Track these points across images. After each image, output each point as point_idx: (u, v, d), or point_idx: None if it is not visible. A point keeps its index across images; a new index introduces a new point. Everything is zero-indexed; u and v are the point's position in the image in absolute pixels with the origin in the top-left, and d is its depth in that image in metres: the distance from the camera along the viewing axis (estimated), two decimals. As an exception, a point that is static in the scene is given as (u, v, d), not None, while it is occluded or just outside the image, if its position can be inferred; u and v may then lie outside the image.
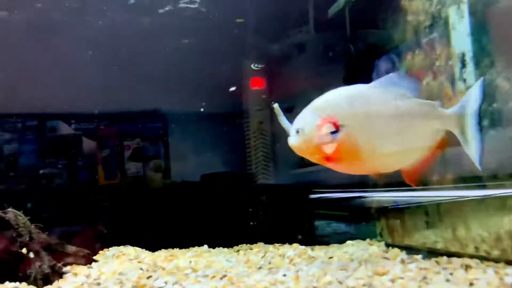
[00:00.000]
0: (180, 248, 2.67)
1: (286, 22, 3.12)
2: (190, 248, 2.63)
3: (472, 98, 1.61)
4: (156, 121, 3.32)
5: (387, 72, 2.08)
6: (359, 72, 2.83)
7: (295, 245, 2.52)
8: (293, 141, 1.66)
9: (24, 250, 1.90)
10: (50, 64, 3.00)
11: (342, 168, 1.70)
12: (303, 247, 2.46)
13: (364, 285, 1.42)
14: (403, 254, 2.14)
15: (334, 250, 2.50)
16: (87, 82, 3.03)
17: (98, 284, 1.73)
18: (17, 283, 1.69)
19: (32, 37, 2.97)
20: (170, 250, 2.62)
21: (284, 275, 1.67)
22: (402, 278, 1.48)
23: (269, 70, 3.18)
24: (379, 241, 2.68)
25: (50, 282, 1.87)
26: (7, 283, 1.68)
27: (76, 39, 2.99)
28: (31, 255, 1.91)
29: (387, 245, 2.51)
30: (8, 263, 1.82)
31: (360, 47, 2.88)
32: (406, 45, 2.31)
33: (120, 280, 1.72)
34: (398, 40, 2.39)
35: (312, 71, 2.94)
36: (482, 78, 1.63)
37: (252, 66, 3.10)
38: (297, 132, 1.63)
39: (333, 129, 1.59)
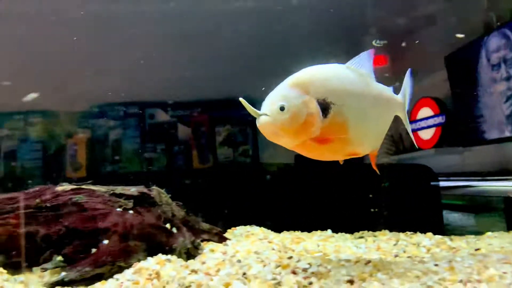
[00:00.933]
0: (302, 231, 2.65)
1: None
2: (313, 231, 2.60)
3: (407, 86, 1.73)
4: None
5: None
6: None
7: (429, 234, 2.35)
8: (270, 120, 1.39)
9: (167, 226, 2.04)
10: (149, 56, 3.13)
11: (316, 151, 1.51)
12: (440, 236, 2.28)
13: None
14: None
15: (474, 241, 2.28)
16: (182, 73, 3.12)
17: (239, 261, 1.77)
18: (169, 255, 1.80)
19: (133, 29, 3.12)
20: (292, 232, 2.62)
21: (436, 265, 1.54)
22: None
23: (393, 47, 2.96)
24: (527, 234, 2.38)
25: (192, 257, 1.98)
26: (160, 255, 1.79)
27: (170, 30, 3.07)
28: (174, 230, 2.04)
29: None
30: (156, 237, 1.95)
31: (501, 17, 2.55)
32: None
33: (260, 258, 1.74)
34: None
35: (444, 46, 2.67)
36: (409, 69, 1.76)
37: (373, 42, 2.91)
38: (281, 109, 1.38)
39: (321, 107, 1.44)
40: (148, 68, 3.18)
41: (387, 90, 1.67)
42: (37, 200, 1.90)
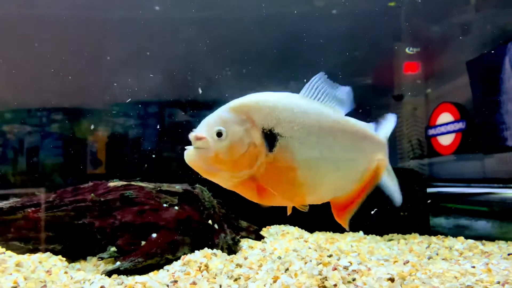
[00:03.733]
0: (333, 232, 2.73)
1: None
2: (346, 233, 2.67)
3: (390, 126, 1.45)
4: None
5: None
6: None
7: (461, 238, 2.40)
8: (202, 146, 1.17)
9: (209, 222, 2.15)
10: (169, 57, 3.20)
11: (261, 194, 1.26)
12: (472, 241, 2.33)
13: None
14: None
15: (506, 246, 2.32)
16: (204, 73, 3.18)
17: (279, 258, 1.87)
18: (215, 249, 1.91)
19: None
20: (325, 232, 2.70)
21: (473, 267, 1.61)
22: None
23: (425, 54, 3.01)
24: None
25: (233, 252, 2.09)
26: (206, 249, 1.91)
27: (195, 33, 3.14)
28: (216, 226, 2.15)
29: None
30: (200, 232, 2.07)
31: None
32: None
33: (300, 256, 1.84)
34: None
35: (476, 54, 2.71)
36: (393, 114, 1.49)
37: (406, 50, 2.97)
38: (219, 134, 1.18)
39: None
40: (170, 68, 3.25)
41: (366, 128, 1.41)
42: (92, 195, 2.04)
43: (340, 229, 2.72)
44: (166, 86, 3.08)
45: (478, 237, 2.51)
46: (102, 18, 3.00)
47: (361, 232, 2.66)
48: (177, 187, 2.20)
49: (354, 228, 2.71)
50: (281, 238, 2.40)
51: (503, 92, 2.92)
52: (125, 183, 2.15)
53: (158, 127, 3.29)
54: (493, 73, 2.93)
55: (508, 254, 2.02)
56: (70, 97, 3.00)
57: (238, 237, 2.21)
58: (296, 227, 2.61)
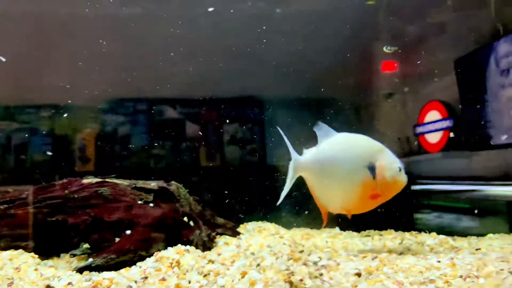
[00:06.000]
0: (311, 228, 2.77)
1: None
2: (322, 229, 2.71)
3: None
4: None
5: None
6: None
7: (434, 234, 2.45)
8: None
9: (185, 219, 2.16)
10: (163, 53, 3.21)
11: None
12: (443, 236, 2.38)
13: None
14: None
15: (476, 242, 2.38)
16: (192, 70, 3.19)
17: (253, 253, 1.89)
18: (188, 246, 1.93)
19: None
20: (303, 229, 2.74)
21: (439, 261, 1.65)
22: None
23: (403, 53, 3.05)
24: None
25: (208, 249, 2.11)
26: (179, 245, 1.92)
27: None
28: (191, 223, 2.17)
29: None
30: (174, 229, 2.08)
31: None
32: None
33: (273, 252, 1.86)
34: None
35: (453, 53, 2.75)
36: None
37: (384, 48, 3.01)
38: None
39: None
40: (161, 65, 3.26)
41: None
42: (66, 191, 2.03)
43: (317, 226, 2.76)
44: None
45: (460, 233, 2.57)
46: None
47: (337, 228, 2.70)
48: (153, 184, 2.20)
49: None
50: (258, 235, 2.42)
51: (489, 90, 2.97)
52: (99, 180, 2.14)
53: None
54: (480, 71, 2.98)
55: (476, 249, 2.07)
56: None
57: (214, 234, 2.23)
58: (273, 224, 2.64)
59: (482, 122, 3.05)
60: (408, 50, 3.03)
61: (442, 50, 2.92)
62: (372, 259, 1.72)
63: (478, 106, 3.07)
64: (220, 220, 2.42)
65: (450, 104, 3.40)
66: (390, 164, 1.87)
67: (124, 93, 3.38)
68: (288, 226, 2.71)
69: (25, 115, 3.27)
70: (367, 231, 2.81)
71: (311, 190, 2.02)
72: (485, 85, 3.00)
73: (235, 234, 2.41)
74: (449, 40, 2.97)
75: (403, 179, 1.89)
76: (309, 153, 2.01)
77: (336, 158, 1.92)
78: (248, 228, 2.59)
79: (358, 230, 2.80)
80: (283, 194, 1.97)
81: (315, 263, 1.65)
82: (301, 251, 1.82)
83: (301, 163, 1.99)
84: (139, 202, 2.11)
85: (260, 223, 2.68)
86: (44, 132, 3.23)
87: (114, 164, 3.38)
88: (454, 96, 3.26)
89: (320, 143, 1.96)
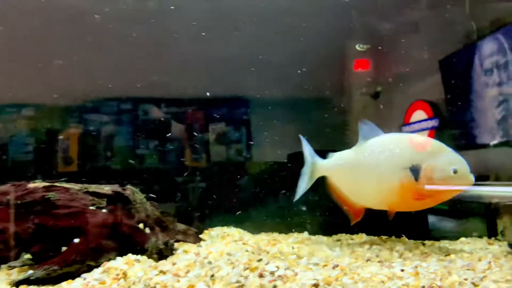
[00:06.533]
0: (280, 233, 2.65)
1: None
2: (290, 234, 2.60)
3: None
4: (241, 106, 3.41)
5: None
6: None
7: (404, 239, 2.36)
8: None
9: (141, 225, 2.03)
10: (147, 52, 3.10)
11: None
12: (413, 241, 2.30)
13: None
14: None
15: (447, 246, 2.30)
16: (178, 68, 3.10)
17: (210, 262, 1.77)
18: (139, 255, 1.80)
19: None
20: (270, 234, 2.62)
21: (402, 270, 1.56)
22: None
23: (376, 51, 2.97)
24: (500, 240, 2.41)
25: (164, 257, 1.97)
26: (129, 255, 1.79)
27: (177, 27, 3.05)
28: (147, 230, 2.03)
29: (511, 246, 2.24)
30: (129, 236, 1.94)
31: (482, 24, 2.57)
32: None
33: (230, 260, 1.75)
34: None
35: (427, 52, 2.69)
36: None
37: (356, 46, 2.92)
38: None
39: None
40: (145, 64, 3.15)
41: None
42: (8, 197, 1.88)
43: (286, 230, 2.65)
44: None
45: (440, 236, 2.50)
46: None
47: (306, 233, 2.59)
48: (106, 189, 2.06)
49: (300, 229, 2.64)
50: (220, 241, 2.30)
51: (473, 90, 2.92)
52: (47, 184, 1.99)
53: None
54: (464, 71, 2.95)
55: (446, 255, 1.99)
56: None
57: (172, 241, 2.10)
58: (239, 229, 2.52)
59: (467, 122, 3.01)
60: (386, 50, 2.95)
61: (427, 50, 2.85)
62: (333, 267, 1.62)
63: (463, 106, 3.02)
64: (181, 226, 2.29)
65: (436, 103, 3.34)
66: (442, 166, 1.82)
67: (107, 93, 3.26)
68: (256, 230, 2.59)
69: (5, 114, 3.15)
70: (338, 235, 2.71)
71: (334, 190, 2.15)
72: (470, 84, 2.95)
73: (197, 240, 2.28)
74: (434, 40, 2.90)
75: (462, 181, 1.84)
76: (337, 156, 2.12)
77: (369, 160, 1.98)
78: (212, 234, 2.46)
79: (328, 234, 2.69)
80: (299, 193, 2.13)
81: (272, 273, 1.55)
82: (260, 260, 1.72)
83: (323, 165, 2.13)
84: (91, 207, 1.96)
85: (225, 228, 2.55)
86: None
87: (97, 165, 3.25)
88: (440, 96, 3.20)
89: (360, 143, 2.04)
